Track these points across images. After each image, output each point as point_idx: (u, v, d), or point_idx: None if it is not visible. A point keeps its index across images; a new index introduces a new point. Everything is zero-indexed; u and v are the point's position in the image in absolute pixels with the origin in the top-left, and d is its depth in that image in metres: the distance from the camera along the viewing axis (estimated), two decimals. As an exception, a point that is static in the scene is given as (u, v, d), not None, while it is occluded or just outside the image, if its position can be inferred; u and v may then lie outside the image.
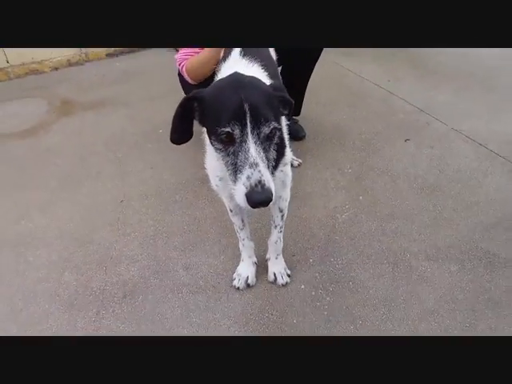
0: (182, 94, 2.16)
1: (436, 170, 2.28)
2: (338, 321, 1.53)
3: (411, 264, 1.74)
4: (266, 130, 1.00)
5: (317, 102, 2.99)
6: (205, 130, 1.33)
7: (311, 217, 2.00)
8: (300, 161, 2.36)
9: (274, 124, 1.02)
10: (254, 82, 1.10)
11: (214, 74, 1.72)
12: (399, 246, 1.82)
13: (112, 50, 4.04)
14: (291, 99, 1.17)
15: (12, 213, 2.12)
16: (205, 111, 1.08)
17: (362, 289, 1.65)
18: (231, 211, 1.57)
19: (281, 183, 1.42)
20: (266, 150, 1.03)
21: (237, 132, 0.99)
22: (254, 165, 0.96)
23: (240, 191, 0.98)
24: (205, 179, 2.20)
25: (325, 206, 2.06)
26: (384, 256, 1.78)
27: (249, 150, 0.98)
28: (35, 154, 2.61)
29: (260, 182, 0.95)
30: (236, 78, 1.10)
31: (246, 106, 0.97)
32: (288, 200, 1.53)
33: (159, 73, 3.60)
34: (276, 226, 1.60)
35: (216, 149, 1.06)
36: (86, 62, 3.96)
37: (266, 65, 1.46)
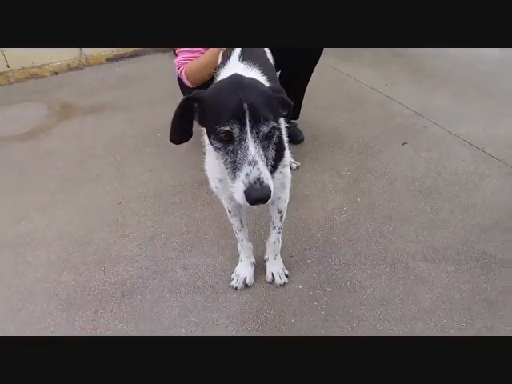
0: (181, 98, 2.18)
1: (433, 173, 2.30)
2: (335, 320, 1.54)
3: (408, 265, 1.75)
4: (264, 129, 1.02)
5: (315, 106, 3.01)
6: (204, 132, 1.36)
7: (309, 218, 2.01)
8: (298, 163, 2.38)
9: (272, 123, 1.03)
10: (253, 82, 1.12)
11: (212, 78, 1.75)
12: (396, 247, 1.83)
13: (112, 54, 4.07)
14: (290, 100, 1.19)
15: (12, 214, 2.13)
16: (205, 111, 1.09)
17: (359, 289, 1.66)
18: (230, 212, 1.58)
19: (280, 184, 1.43)
20: (264, 149, 1.04)
21: (236, 131, 1.00)
22: (253, 162, 0.98)
23: (239, 188, 0.99)
24: (203, 181, 2.23)
25: (323, 207, 2.08)
26: (381, 257, 1.79)
27: (248, 149, 0.99)
28: (35, 157, 2.63)
29: (259, 179, 0.96)
30: (235, 79, 1.12)
31: (246, 106, 0.99)
32: (287, 201, 1.54)
33: (159, 77, 3.63)
34: (275, 227, 1.61)
35: (215, 148, 1.07)
36: (85, 66, 3.99)
37: (265, 69, 1.48)
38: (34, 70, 3.77)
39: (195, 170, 2.36)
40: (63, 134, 2.89)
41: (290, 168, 2.13)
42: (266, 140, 1.05)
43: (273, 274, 1.69)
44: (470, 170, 2.30)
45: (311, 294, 1.65)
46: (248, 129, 1.00)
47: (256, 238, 1.87)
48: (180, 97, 2.37)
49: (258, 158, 0.99)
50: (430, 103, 3.04)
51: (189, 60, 2.19)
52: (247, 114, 0.99)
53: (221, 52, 1.86)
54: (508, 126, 2.68)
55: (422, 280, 1.68)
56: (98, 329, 1.53)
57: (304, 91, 2.52)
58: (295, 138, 2.57)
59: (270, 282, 1.69)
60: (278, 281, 1.68)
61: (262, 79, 1.39)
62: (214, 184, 1.39)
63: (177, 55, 2.30)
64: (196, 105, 1.11)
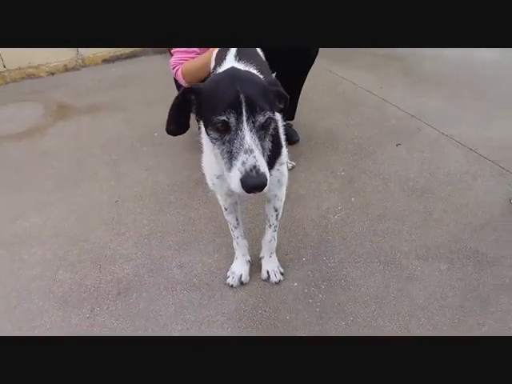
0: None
1: (426, 173, 2.33)
2: (329, 317, 1.55)
3: (402, 263, 1.77)
4: (261, 118, 1.03)
5: (310, 107, 3.04)
6: (202, 130, 1.37)
7: (304, 217, 2.03)
8: (294, 163, 2.40)
9: (268, 114, 1.04)
10: (249, 75, 1.14)
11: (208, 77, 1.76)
12: (390, 246, 1.86)
13: (108, 55, 4.09)
14: (286, 94, 1.20)
15: (8, 213, 2.13)
16: (202, 103, 1.11)
17: (353, 286, 1.68)
18: (226, 210, 1.59)
19: (277, 182, 1.44)
20: (261, 139, 1.05)
21: (232, 120, 1.01)
22: (249, 151, 0.99)
23: (235, 177, 1.00)
24: (199, 181, 2.26)
25: (318, 207, 2.10)
26: (375, 255, 1.81)
27: (244, 138, 1.00)
28: (32, 156, 2.63)
29: (255, 167, 0.97)
30: (232, 72, 1.14)
31: (242, 96, 1.00)
32: (283, 200, 1.55)
33: (155, 78, 3.65)
34: (271, 226, 1.63)
35: (212, 138, 1.08)
36: (82, 67, 4.00)
37: (261, 69, 1.50)
38: (31, 70, 3.77)
39: (191, 170, 2.37)
40: (60, 133, 2.90)
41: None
42: (262, 130, 1.06)
43: (268, 272, 1.70)
44: (462, 170, 2.34)
45: (306, 291, 1.67)
46: (244, 118, 1.01)
47: (251, 237, 1.88)
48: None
49: (254, 147, 1.00)
50: (424, 105, 3.08)
51: (184, 60, 2.21)
52: (243, 104, 1.00)
53: (214, 52, 1.87)
54: (500, 129, 2.72)
55: (416, 278, 1.71)
56: (94, 326, 1.54)
57: (299, 92, 2.54)
58: (290, 139, 2.59)
59: (265, 280, 1.71)
60: (274, 278, 1.69)
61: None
62: (211, 181, 1.40)
63: (172, 55, 2.31)
64: (193, 97, 1.12)
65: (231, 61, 1.54)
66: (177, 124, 1.17)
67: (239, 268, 1.70)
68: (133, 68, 4.02)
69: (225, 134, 1.04)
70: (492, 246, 1.83)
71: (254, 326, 1.53)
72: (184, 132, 1.20)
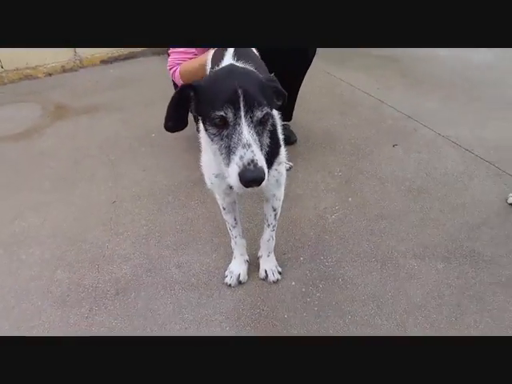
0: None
1: (423, 174, 2.34)
2: (327, 316, 1.56)
3: (399, 262, 1.78)
4: (258, 113, 1.04)
5: (308, 109, 3.05)
6: (200, 130, 1.38)
7: (302, 217, 2.04)
8: (291, 164, 2.41)
9: (266, 109, 1.05)
10: (248, 71, 1.15)
11: None
12: (387, 245, 1.87)
13: (106, 56, 4.09)
14: (284, 91, 1.21)
15: (5, 213, 2.13)
16: (200, 99, 1.11)
17: (350, 285, 1.68)
18: (224, 209, 1.60)
19: (275, 182, 1.44)
20: (259, 134, 1.06)
21: (230, 115, 1.02)
22: (247, 145, 0.99)
23: (233, 171, 1.00)
24: (197, 181, 2.27)
25: (315, 206, 2.11)
26: (372, 254, 1.82)
27: (242, 132, 1.00)
28: (29, 156, 2.63)
29: (253, 161, 0.98)
30: (231, 68, 1.15)
31: (240, 91, 1.01)
32: (281, 199, 1.56)
33: (153, 79, 3.65)
34: (269, 225, 1.63)
35: (210, 134, 1.08)
36: (80, 68, 4.00)
37: (259, 69, 1.51)
38: (28, 71, 3.77)
39: (189, 171, 2.38)
40: (57, 134, 2.90)
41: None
42: (260, 125, 1.06)
43: (266, 271, 1.71)
44: (459, 170, 2.35)
45: (304, 290, 1.67)
46: (242, 113, 1.02)
47: (249, 237, 1.89)
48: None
49: (251, 142, 1.00)
50: (420, 106, 3.10)
51: (182, 60, 2.21)
52: (241, 99, 1.01)
53: (210, 54, 1.87)
54: (495, 130, 2.74)
55: (413, 276, 1.72)
56: (93, 326, 1.54)
57: (297, 93, 2.56)
58: (288, 140, 2.59)
59: (263, 279, 1.72)
60: (272, 278, 1.70)
61: None
62: (209, 180, 1.41)
63: (169, 55, 2.32)
64: (192, 93, 1.13)
65: (229, 61, 1.55)
66: (175, 120, 1.18)
67: (237, 267, 1.71)
68: (131, 69, 4.03)
69: (223, 129, 1.04)
70: (488, 245, 1.85)
71: (252, 325, 1.54)
72: (182, 129, 1.20)
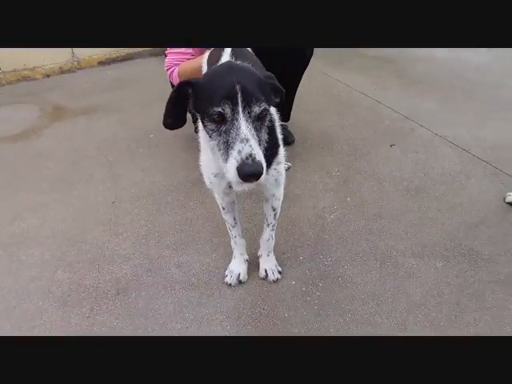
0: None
1: (421, 173, 2.36)
2: (327, 314, 1.57)
3: (398, 261, 1.80)
4: (256, 109, 1.04)
5: (305, 109, 3.07)
6: (199, 129, 1.38)
7: (301, 217, 2.05)
8: (289, 164, 2.42)
9: (264, 105, 1.05)
10: (245, 67, 1.15)
11: None
12: (386, 244, 1.88)
13: (104, 58, 4.09)
14: (281, 88, 1.21)
15: (4, 214, 2.13)
16: (198, 96, 1.12)
17: (350, 284, 1.69)
18: (223, 209, 1.60)
19: (274, 181, 1.45)
20: (257, 130, 1.06)
21: (228, 111, 1.02)
22: (245, 140, 0.99)
23: (231, 165, 1.00)
24: (196, 181, 2.27)
25: (314, 206, 2.12)
26: (372, 253, 1.83)
27: (240, 127, 1.01)
28: (27, 157, 2.63)
29: (251, 155, 0.98)
30: (228, 65, 1.16)
31: (238, 87, 1.02)
32: (281, 199, 1.56)
33: (151, 81, 3.66)
34: (268, 225, 1.64)
35: (208, 130, 1.09)
36: (77, 69, 4.00)
37: (256, 68, 1.52)
38: (26, 72, 3.76)
39: (188, 171, 2.39)
40: (55, 135, 2.89)
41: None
42: (258, 121, 1.07)
43: (266, 271, 1.72)
44: (456, 170, 2.37)
45: (304, 289, 1.68)
46: (240, 109, 1.02)
47: (249, 236, 1.89)
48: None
49: (250, 136, 1.00)
50: (417, 107, 3.12)
51: (180, 61, 2.22)
52: (239, 95, 1.02)
53: (205, 55, 1.88)
54: (493, 130, 2.76)
55: (412, 275, 1.73)
56: (94, 325, 1.54)
57: (294, 94, 2.57)
58: (286, 140, 2.58)
59: (263, 279, 1.72)
60: (271, 277, 1.70)
61: None
62: (208, 179, 1.41)
63: (166, 55, 2.32)
64: (190, 90, 1.13)
65: (227, 59, 1.56)
66: (174, 118, 1.18)
67: (237, 267, 1.71)
68: (128, 70, 4.03)
69: (221, 125, 1.05)
70: (486, 244, 1.86)
71: (252, 324, 1.54)
72: (181, 126, 1.21)
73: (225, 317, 1.57)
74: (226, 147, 1.04)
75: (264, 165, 1.01)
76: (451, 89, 3.43)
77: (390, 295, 1.64)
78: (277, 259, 1.76)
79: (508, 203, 2.08)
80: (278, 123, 1.46)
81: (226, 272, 1.72)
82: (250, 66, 1.22)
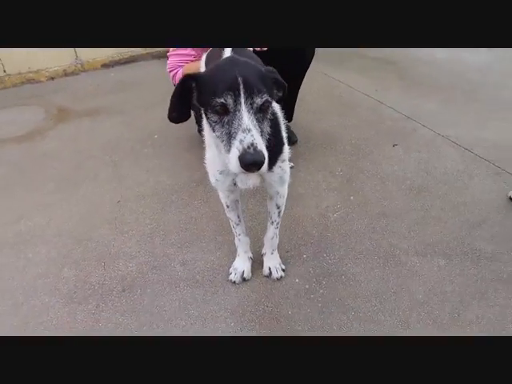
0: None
1: (423, 173, 2.37)
2: (331, 312, 1.58)
3: (401, 259, 1.81)
4: (258, 100, 1.06)
5: (307, 110, 3.08)
6: (204, 127, 1.40)
7: (304, 216, 2.06)
8: (292, 164, 2.43)
9: (266, 96, 1.07)
10: (248, 62, 1.17)
11: None
12: (389, 243, 1.89)
13: (107, 60, 4.13)
14: (284, 81, 1.23)
15: (11, 213, 2.16)
16: (201, 89, 1.14)
17: (353, 282, 1.70)
18: (228, 207, 1.62)
19: (279, 179, 1.46)
20: (259, 121, 1.08)
21: (230, 101, 1.04)
22: (247, 130, 1.01)
23: (233, 155, 1.02)
24: (200, 181, 2.29)
25: (317, 205, 2.13)
26: (375, 252, 1.84)
27: (242, 118, 1.03)
28: (32, 158, 2.66)
29: (252, 144, 1.00)
30: (231, 59, 1.19)
31: (240, 79, 1.04)
32: (285, 197, 1.58)
33: (154, 83, 3.68)
34: (273, 223, 1.65)
35: (211, 122, 1.10)
36: (81, 71, 4.04)
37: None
38: (31, 74, 3.80)
39: (192, 170, 2.41)
40: (60, 136, 2.92)
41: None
42: (260, 112, 1.08)
43: (270, 269, 1.73)
44: (459, 169, 2.38)
45: (307, 287, 1.69)
46: (242, 100, 1.04)
47: (253, 235, 1.91)
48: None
49: (251, 127, 1.02)
50: (419, 107, 3.13)
51: (184, 62, 2.24)
52: (241, 86, 1.03)
53: (203, 56, 1.89)
54: (494, 130, 2.77)
55: (415, 273, 1.74)
56: (100, 322, 1.56)
57: (297, 95, 2.59)
58: (289, 140, 2.59)
59: (267, 276, 1.74)
60: (275, 275, 1.72)
61: None
62: (214, 177, 1.43)
63: (168, 57, 2.34)
64: (194, 84, 1.15)
65: None
66: (179, 111, 1.20)
67: (241, 264, 1.73)
68: (131, 73, 4.06)
69: (224, 116, 1.07)
70: (489, 243, 1.87)
71: (256, 321, 1.55)
72: (185, 120, 1.23)
73: (229, 314, 1.58)
74: (229, 138, 1.05)
75: (266, 154, 1.02)
76: (452, 89, 3.44)
77: (393, 293, 1.65)
78: (280, 257, 1.77)
79: (510, 198, 2.10)
80: (282, 121, 1.48)
81: (230, 270, 1.74)
82: (252, 61, 1.24)
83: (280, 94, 1.26)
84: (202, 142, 1.44)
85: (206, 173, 1.48)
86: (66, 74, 3.97)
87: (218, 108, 1.06)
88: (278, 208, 1.60)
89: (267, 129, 1.17)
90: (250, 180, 1.38)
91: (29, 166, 2.58)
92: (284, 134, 1.47)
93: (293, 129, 2.72)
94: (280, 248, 1.80)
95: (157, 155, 2.62)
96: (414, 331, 1.50)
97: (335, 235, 1.94)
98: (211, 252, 1.87)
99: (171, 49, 2.29)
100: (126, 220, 2.06)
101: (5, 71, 3.68)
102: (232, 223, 1.68)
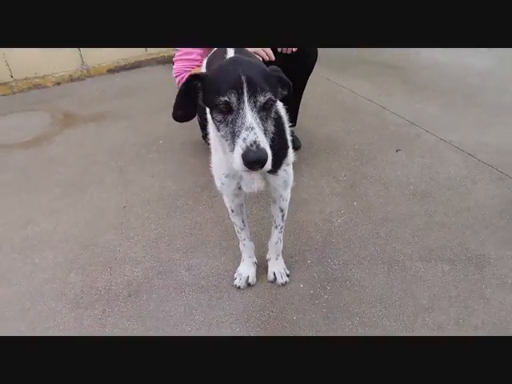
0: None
1: (427, 178, 2.38)
2: (336, 317, 1.59)
3: (405, 264, 1.81)
4: (261, 98, 1.07)
5: (310, 115, 3.10)
6: (209, 131, 1.41)
7: (308, 221, 2.07)
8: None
9: (269, 95, 1.08)
10: (252, 61, 1.19)
11: None
12: (393, 248, 1.90)
13: (113, 65, 4.16)
14: (288, 80, 1.24)
15: (18, 218, 2.18)
16: (206, 89, 1.15)
17: (358, 287, 1.71)
18: (233, 211, 1.63)
19: (283, 182, 1.48)
20: (262, 120, 1.09)
21: (234, 100, 1.06)
22: (250, 128, 1.02)
23: (237, 154, 1.03)
24: (205, 186, 2.31)
25: (321, 210, 2.14)
26: (379, 257, 1.85)
27: (245, 116, 1.04)
28: (39, 163, 2.68)
29: (255, 142, 1.01)
30: (235, 59, 1.20)
31: (244, 78, 1.05)
32: (288, 200, 1.59)
33: (159, 88, 3.71)
34: (277, 227, 1.67)
35: (216, 122, 1.12)
36: (87, 77, 4.08)
37: None
38: (37, 80, 3.85)
39: (196, 176, 2.43)
40: (66, 141, 2.95)
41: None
42: (263, 111, 1.09)
43: (274, 274, 1.74)
44: (462, 174, 2.39)
45: (312, 292, 1.70)
46: (245, 98, 1.05)
47: (257, 240, 1.92)
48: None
49: (254, 125, 1.03)
50: (422, 112, 3.14)
51: (190, 68, 2.26)
52: (245, 85, 1.05)
53: (204, 60, 1.91)
54: (497, 135, 2.78)
55: (419, 279, 1.74)
56: (106, 327, 1.57)
57: (300, 98, 2.61)
58: (292, 145, 2.62)
59: (271, 282, 1.75)
60: (280, 280, 1.73)
61: None
62: (219, 181, 1.44)
63: (173, 63, 2.36)
64: (199, 84, 1.17)
65: None
66: (183, 110, 1.22)
67: (246, 270, 1.74)
68: (136, 78, 4.09)
69: (228, 115, 1.08)
70: (493, 248, 1.88)
71: (261, 326, 1.56)
72: (190, 119, 1.24)
73: (234, 319, 1.59)
74: (233, 137, 1.06)
75: (269, 152, 1.03)
76: (454, 94, 3.45)
77: (397, 298, 1.66)
78: (285, 262, 1.78)
79: None
80: (287, 125, 1.49)
81: (235, 275, 1.75)
82: (256, 60, 1.25)
83: (285, 93, 1.27)
84: (207, 147, 1.45)
85: (210, 178, 1.50)
86: (71, 79, 4.01)
87: (221, 106, 1.07)
88: (282, 211, 1.62)
89: (271, 128, 1.18)
90: (255, 183, 1.40)
91: (35, 171, 2.60)
92: (289, 138, 1.48)
93: (296, 134, 2.73)
94: (284, 253, 1.81)
95: (162, 160, 2.64)
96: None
97: (339, 240, 1.95)
98: (216, 257, 1.88)
99: (177, 54, 2.31)
100: (132, 225, 2.08)
101: (12, 76, 3.73)
102: (237, 228, 1.69)
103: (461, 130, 2.86)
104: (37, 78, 3.84)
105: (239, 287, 1.72)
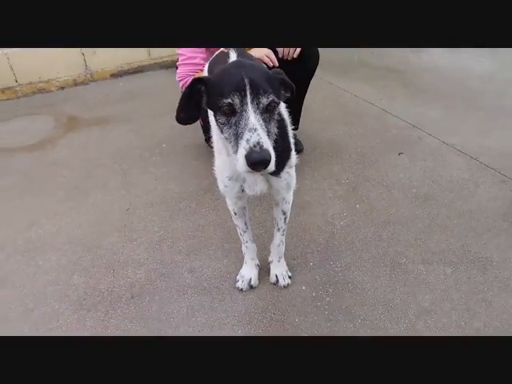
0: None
1: (429, 181, 2.38)
2: (338, 320, 1.59)
3: (407, 267, 1.81)
4: (264, 100, 1.08)
5: (313, 119, 3.11)
6: (212, 134, 1.42)
7: (310, 223, 2.08)
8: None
9: (272, 96, 1.09)
10: (254, 64, 1.20)
11: None
12: (395, 251, 1.90)
13: (116, 70, 4.19)
14: (291, 83, 1.25)
15: (22, 220, 2.19)
16: (210, 92, 1.16)
17: (360, 290, 1.71)
18: (235, 214, 1.64)
19: (286, 185, 1.48)
20: (265, 121, 1.10)
21: (237, 101, 1.07)
22: (253, 129, 1.03)
23: (240, 155, 1.04)
24: (208, 189, 2.32)
25: (323, 213, 2.15)
26: (381, 260, 1.85)
27: (248, 118, 1.05)
28: (43, 166, 2.70)
29: (259, 143, 1.01)
30: (238, 62, 1.22)
31: (246, 80, 1.06)
32: (290, 203, 1.60)
33: (162, 93, 3.73)
34: (279, 229, 1.67)
35: (220, 124, 1.13)
36: (90, 81, 4.10)
37: None
38: (42, 84, 3.87)
39: (199, 179, 2.44)
40: (70, 145, 2.97)
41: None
42: (266, 113, 1.10)
43: (277, 276, 1.74)
44: (464, 177, 2.39)
45: (314, 294, 1.70)
46: (248, 100, 1.06)
47: (260, 242, 1.92)
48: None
49: (258, 126, 1.04)
50: (424, 116, 3.15)
51: (194, 72, 2.28)
52: (248, 87, 1.06)
53: (206, 64, 1.93)
54: (498, 138, 2.78)
55: (421, 281, 1.74)
56: (109, 328, 1.58)
57: (302, 102, 2.62)
58: (295, 148, 2.64)
59: (273, 284, 1.75)
60: (282, 282, 1.73)
61: None
62: (222, 183, 1.44)
63: (177, 67, 2.38)
64: (203, 87, 1.18)
65: None
66: (187, 112, 1.23)
67: (248, 272, 1.75)
68: (140, 82, 4.12)
69: (231, 117, 1.09)
70: (496, 251, 1.88)
71: (263, 329, 1.57)
72: (194, 121, 1.26)
73: (236, 321, 1.60)
74: (236, 138, 1.07)
75: (272, 153, 1.04)
76: (456, 98, 3.46)
77: (399, 301, 1.66)
78: (287, 265, 1.79)
79: None
80: (290, 128, 1.50)
81: (238, 277, 1.75)
82: (259, 64, 1.26)
83: (288, 95, 1.28)
84: (210, 150, 1.46)
85: (213, 181, 1.51)
86: (75, 83, 4.04)
87: (225, 108, 1.08)
88: (284, 214, 1.62)
89: (274, 129, 1.19)
90: (258, 186, 1.41)
91: (39, 174, 2.62)
92: (291, 140, 1.49)
93: (299, 137, 2.74)
94: (287, 255, 1.82)
95: (165, 163, 2.66)
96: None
97: (341, 243, 1.96)
98: (218, 259, 1.89)
99: (181, 59, 2.33)
100: (135, 228, 2.09)
101: (16, 81, 3.76)
102: (239, 230, 1.70)
103: (462, 133, 2.86)
104: (41, 82, 3.87)
105: (241, 289, 1.72)
